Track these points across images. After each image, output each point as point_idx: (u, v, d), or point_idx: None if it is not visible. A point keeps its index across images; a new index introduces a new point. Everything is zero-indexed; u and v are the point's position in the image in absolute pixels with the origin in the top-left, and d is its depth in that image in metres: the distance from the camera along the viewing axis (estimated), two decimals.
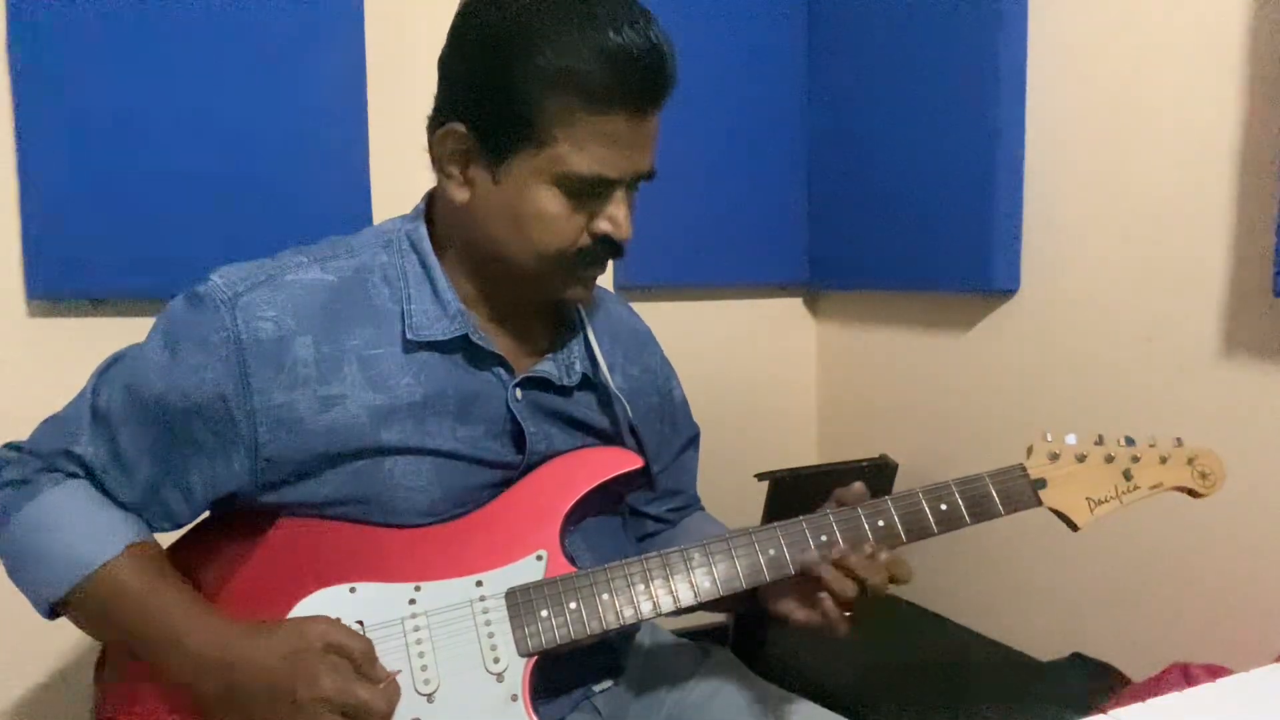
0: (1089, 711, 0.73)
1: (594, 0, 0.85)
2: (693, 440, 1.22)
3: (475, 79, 0.88)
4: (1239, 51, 1.32)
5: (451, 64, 0.91)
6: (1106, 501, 0.97)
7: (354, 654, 0.84)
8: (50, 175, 1.48)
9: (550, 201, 0.89)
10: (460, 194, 0.92)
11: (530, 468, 0.99)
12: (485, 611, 0.90)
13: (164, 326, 0.92)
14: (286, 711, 0.81)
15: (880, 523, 0.94)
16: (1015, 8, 1.62)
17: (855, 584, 0.89)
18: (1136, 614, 1.50)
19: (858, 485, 0.96)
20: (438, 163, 0.93)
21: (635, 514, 1.16)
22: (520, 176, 0.88)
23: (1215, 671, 1.17)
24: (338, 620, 0.87)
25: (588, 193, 0.89)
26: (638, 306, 1.20)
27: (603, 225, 0.91)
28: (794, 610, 0.94)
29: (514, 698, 0.88)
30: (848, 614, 0.90)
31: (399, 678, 0.87)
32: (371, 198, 1.69)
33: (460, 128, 0.89)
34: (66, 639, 1.52)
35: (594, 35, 0.84)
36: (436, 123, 0.92)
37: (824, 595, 0.90)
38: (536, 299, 1.00)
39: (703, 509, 1.24)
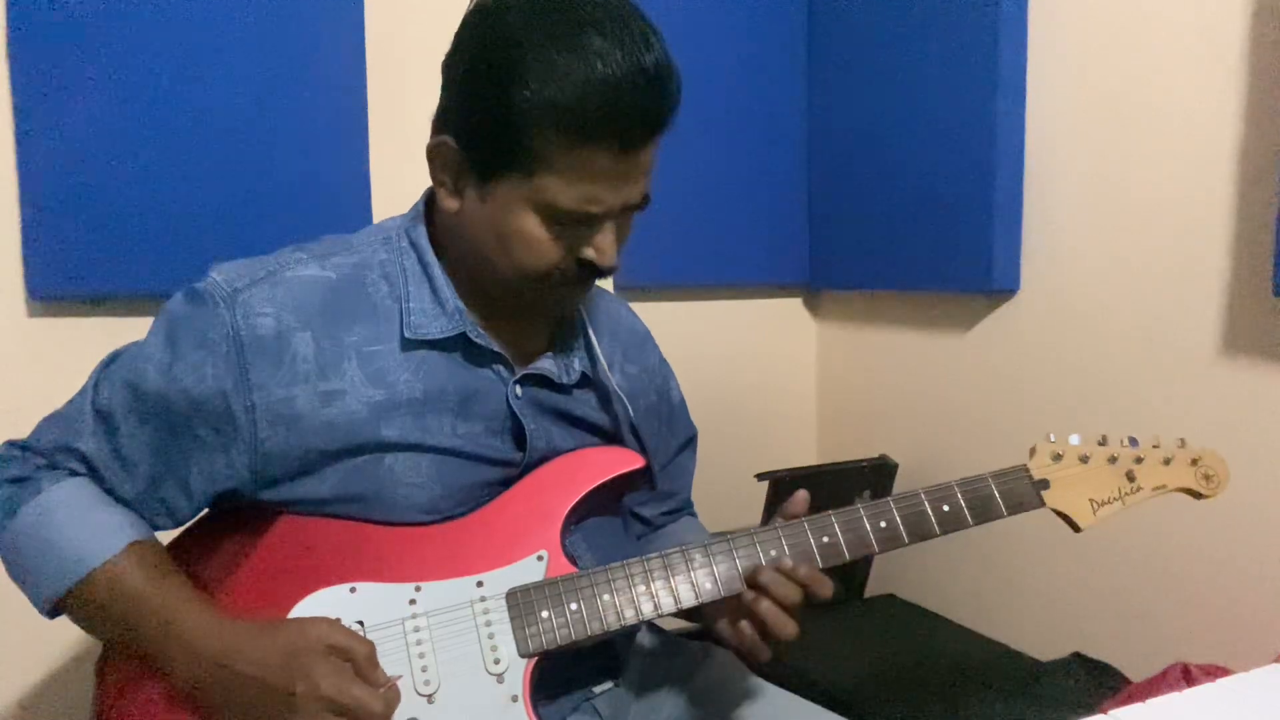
0: (1089, 711, 0.73)
1: (589, 24, 0.82)
2: (690, 441, 1.22)
3: (466, 98, 0.88)
4: (1239, 51, 1.32)
5: (450, 72, 0.90)
6: (1109, 503, 0.97)
7: (356, 656, 0.83)
8: (50, 175, 1.48)
9: (534, 227, 0.88)
10: (450, 203, 0.92)
11: (531, 465, 0.99)
12: (486, 612, 0.90)
13: (164, 323, 0.92)
14: (284, 710, 0.81)
15: (883, 523, 0.94)
16: (1015, 8, 1.62)
17: (772, 602, 0.89)
18: (1136, 614, 1.50)
19: (800, 494, 0.95)
20: (431, 169, 0.92)
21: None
22: (505, 199, 0.88)
23: (1215, 671, 1.17)
24: (338, 622, 0.87)
25: (572, 222, 0.88)
26: (638, 306, 1.20)
27: (587, 253, 0.90)
28: (725, 629, 0.95)
29: (514, 699, 0.88)
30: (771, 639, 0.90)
31: (399, 680, 0.87)
32: (371, 198, 1.69)
33: (451, 142, 0.89)
34: (66, 638, 1.51)
35: (582, 66, 0.81)
36: (434, 128, 0.92)
37: (744, 623, 0.90)
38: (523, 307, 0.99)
39: (693, 514, 1.24)
